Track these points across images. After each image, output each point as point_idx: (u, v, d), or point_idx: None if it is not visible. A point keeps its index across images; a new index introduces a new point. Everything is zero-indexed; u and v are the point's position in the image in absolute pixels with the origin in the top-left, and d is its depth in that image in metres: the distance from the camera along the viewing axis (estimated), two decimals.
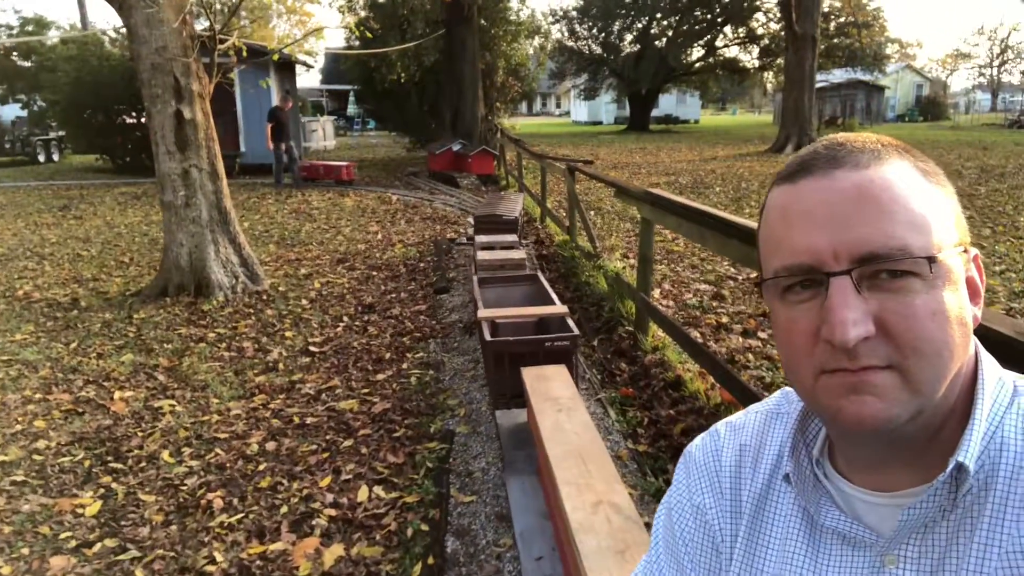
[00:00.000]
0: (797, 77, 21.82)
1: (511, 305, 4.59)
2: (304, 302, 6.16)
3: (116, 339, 5.21)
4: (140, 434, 3.73)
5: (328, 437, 3.64)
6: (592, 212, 10.34)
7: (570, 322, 3.82)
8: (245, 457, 3.46)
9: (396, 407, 4.00)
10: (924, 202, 0.59)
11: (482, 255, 5.76)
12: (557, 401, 2.86)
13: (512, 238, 6.69)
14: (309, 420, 3.85)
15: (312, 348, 4.99)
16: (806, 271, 0.60)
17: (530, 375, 3.19)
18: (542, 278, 4.84)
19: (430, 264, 7.57)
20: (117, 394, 4.22)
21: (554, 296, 4.38)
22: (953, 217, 0.62)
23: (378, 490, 3.11)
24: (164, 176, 6.15)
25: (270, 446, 3.56)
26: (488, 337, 3.67)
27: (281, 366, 4.68)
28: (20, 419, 3.89)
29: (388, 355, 4.85)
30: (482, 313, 3.99)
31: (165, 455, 3.49)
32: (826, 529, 0.67)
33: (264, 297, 6.29)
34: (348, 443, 3.57)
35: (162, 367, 4.66)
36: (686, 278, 6.71)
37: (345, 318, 5.71)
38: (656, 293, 5.83)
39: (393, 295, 6.40)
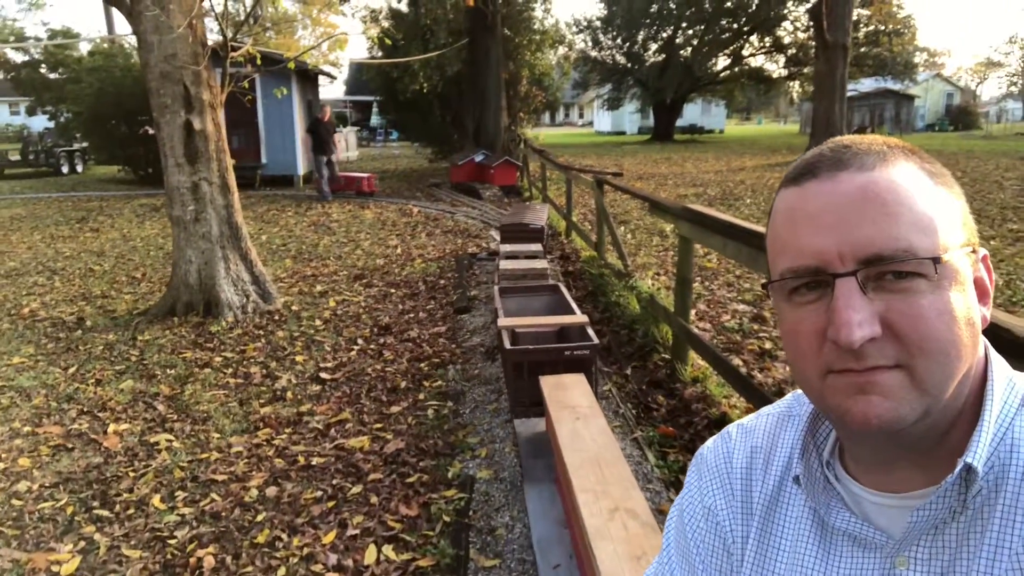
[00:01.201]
0: (828, 86, 21.25)
1: (532, 314, 4.58)
2: (318, 322, 5.84)
3: (117, 363, 4.91)
4: (131, 474, 3.40)
5: (335, 482, 3.28)
6: (621, 227, 9.92)
7: (590, 331, 3.82)
8: (243, 505, 3.11)
9: (411, 446, 3.63)
10: (929, 203, 0.58)
11: (505, 264, 5.81)
12: (575, 409, 2.86)
13: (537, 247, 6.71)
14: (315, 460, 3.49)
15: (323, 375, 4.65)
16: (812, 273, 0.60)
17: (548, 384, 3.20)
18: (563, 288, 4.86)
19: (451, 281, 7.22)
20: (112, 427, 3.91)
21: (574, 305, 4.44)
22: (960, 218, 0.61)
23: (388, 550, 2.74)
24: (173, 190, 5.87)
25: (271, 492, 3.21)
26: (508, 346, 3.68)
27: (289, 395, 4.34)
28: (4, 456, 3.58)
29: (404, 383, 4.49)
30: (502, 322, 4.05)
31: (156, 500, 3.16)
32: (836, 530, 0.66)
33: (276, 317, 5.97)
34: (356, 489, 3.20)
35: (163, 396, 4.34)
36: (722, 297, 6.30)
37: (360, 340, 5.37)
38: (691, 315, 5.42)
39: (411, 315, 6.05)
